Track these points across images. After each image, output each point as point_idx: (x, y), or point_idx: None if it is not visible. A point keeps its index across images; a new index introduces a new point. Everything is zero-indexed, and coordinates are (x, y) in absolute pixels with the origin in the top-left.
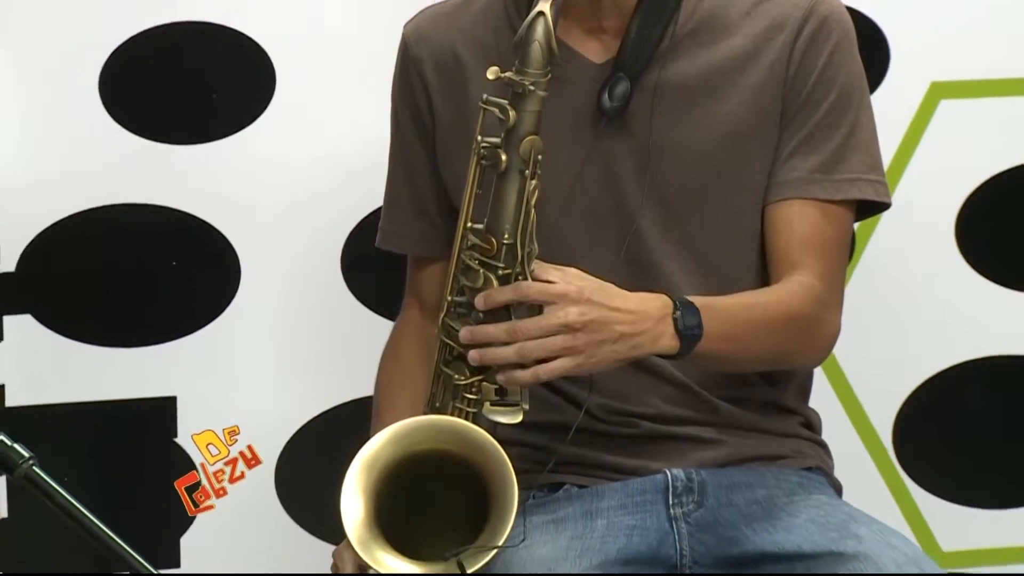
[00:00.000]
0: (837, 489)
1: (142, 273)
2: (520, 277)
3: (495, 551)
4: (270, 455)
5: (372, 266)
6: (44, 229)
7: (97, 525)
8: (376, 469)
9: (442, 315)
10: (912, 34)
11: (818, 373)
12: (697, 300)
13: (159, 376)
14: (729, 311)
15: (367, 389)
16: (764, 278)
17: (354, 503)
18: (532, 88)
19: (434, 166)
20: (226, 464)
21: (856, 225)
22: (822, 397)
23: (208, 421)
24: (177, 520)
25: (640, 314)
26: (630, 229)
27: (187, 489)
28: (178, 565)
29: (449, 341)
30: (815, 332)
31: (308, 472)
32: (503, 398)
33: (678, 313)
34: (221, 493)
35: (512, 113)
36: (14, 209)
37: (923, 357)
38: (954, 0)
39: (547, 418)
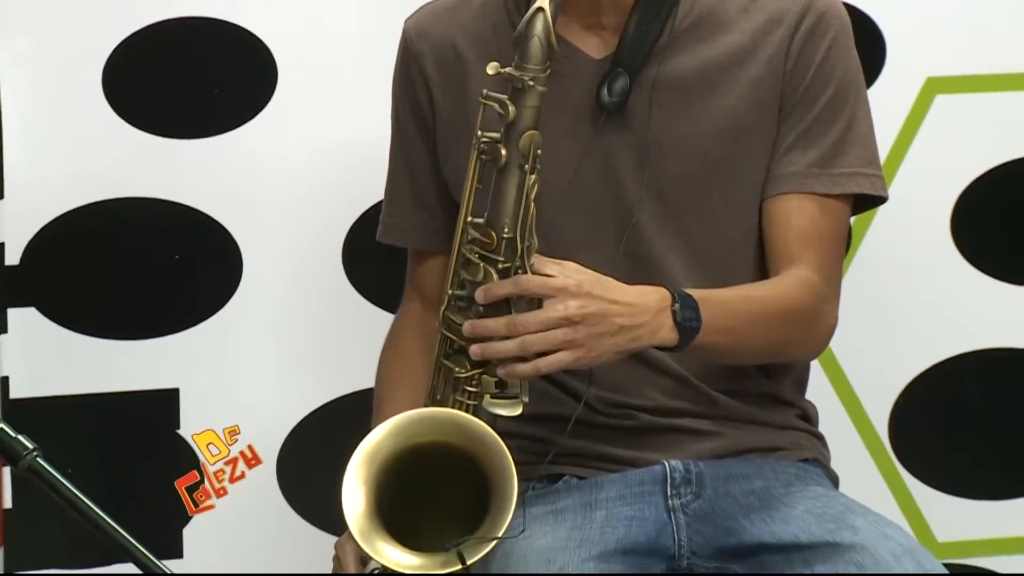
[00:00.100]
0: (834, 480)
1: (145, 266)
2: (520, 271)
3: (495, 542)
4: (272, 447)
5: (373, 259)
6: (48, 223)
7: (100, 516)
8: (377, 461)
9: (443, 308)
10: (908, 30)
11: (815, 366)
12: (695, 293)
13: (162, 368)
14: (727, 304)
15: (368, 381)
16: (762, 271)
17: (355, 494)
18: (531, 83)
19: (434, 160)
20: (226, 464)
21: (853, 219)
22: (819, 389)
23: (210, 412)
24: (179, 511)
25: (639, 307)
26: (629, 223)
27: (188, 489)
28: (180, 556)
29: (450, 334)
30: (813, 325)
31: (309, 463)
32: (503, 391)
33: (676, 306)
34: (221, 493)
35: (512, 108)
36: (18, 203)
37: (919, 350)
38: None
39: (547, 410)
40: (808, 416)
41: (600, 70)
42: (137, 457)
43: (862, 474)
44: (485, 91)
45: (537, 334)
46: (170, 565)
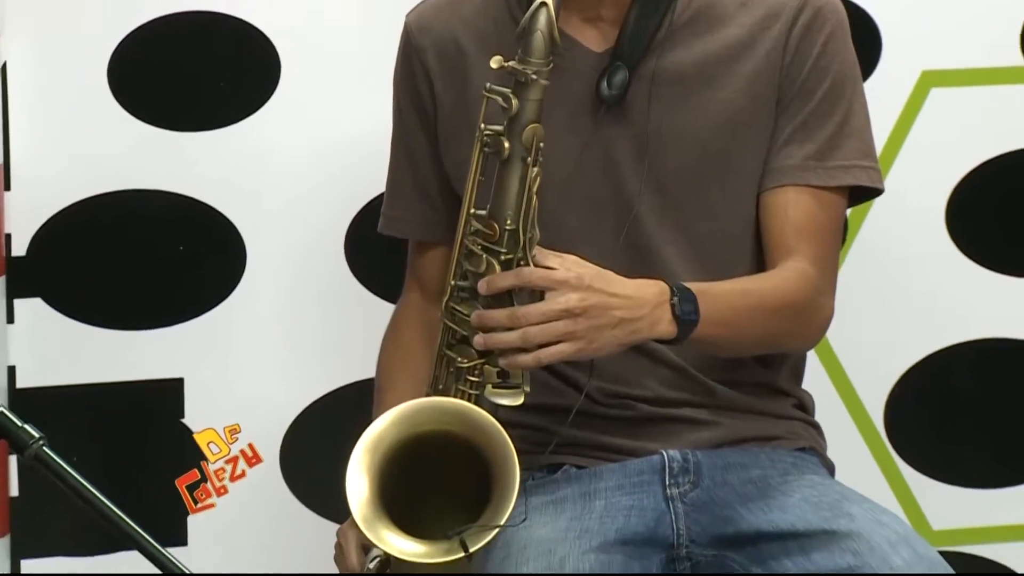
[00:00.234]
0: (830, 469)
1: (150, 258)
2: (522, 262)
3: (497, 530)
4: (275, 435)
5: (375, 251)
6: (54, 214)
7: (105, 504)
8: (380, 449)
9: (446, 299)
10: (903, 24)
11: (811, 356)
12: (694, 286)
13: (166, 358)
14: (725, 297)
15: (370, 371)
16: (760, 263)
17: (359, 482)
18: (535, 77)
19: (435, 152)
20: (227, 462)
21: (849, 211)
22: (815, 379)
23: (214, 402)
24: (184, 500)
25: (638, 300)
26: (629, 215)
27: (188, 487)
28: (185, 544)
29: (452, 325)
30: (809, 317)
31: (312, 452)
32: (505, 381)
33: (675, 299)
34: (222, 492)
35: (515, 101)
36: (25, 195)
37: (914, 340)
38: None
39: (548, 401)
40: (805, 405)
41: (600, 63)
42: (142, 446)
43: (858, 463)
44: (489, 84)
45: (539, 326)
46: (174, 553)
